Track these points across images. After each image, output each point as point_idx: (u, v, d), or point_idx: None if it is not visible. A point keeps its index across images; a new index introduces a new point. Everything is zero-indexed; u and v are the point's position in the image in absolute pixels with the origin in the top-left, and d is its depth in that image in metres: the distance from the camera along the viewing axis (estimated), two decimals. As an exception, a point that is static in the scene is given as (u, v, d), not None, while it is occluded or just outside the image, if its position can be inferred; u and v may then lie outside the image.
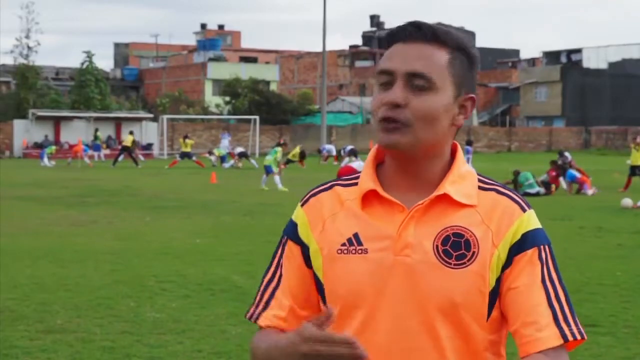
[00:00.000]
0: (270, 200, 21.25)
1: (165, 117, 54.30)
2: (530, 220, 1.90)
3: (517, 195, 1.94)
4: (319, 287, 1.96)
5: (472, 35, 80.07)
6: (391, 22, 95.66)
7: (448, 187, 1.90)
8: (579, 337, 1.85)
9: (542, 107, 73.72)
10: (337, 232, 1.93)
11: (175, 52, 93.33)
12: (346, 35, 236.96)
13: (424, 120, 1.86)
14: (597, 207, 20.03)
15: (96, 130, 51.84)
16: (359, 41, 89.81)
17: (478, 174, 1.97)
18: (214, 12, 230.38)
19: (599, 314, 8.37)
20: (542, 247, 1.89)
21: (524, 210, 1.91)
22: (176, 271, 10.79)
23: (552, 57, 78.87)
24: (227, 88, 64.66)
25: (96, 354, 6.94)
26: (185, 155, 40.04)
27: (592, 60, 75.24)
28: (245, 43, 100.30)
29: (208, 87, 74.54)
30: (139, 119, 54.35)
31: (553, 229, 13.76)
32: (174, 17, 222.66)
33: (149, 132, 53.90)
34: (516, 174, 24.79)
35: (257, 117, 54.74)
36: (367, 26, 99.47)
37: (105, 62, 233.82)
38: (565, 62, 76.73)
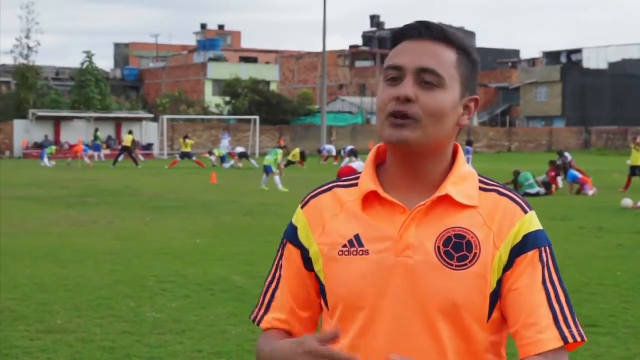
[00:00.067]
0: (270, 201, 21.25)
1: (165, 117, 54.31)
2: (532, 222, 1.90)
3: (518, 196, 1.94)
4: (321, 289, 1.96)
5: (472, 35, 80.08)
6: (391, 22, 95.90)
7: (449, 187, 1.90)
8: (578, 339, 1.85)
9: (542, 107, 73.70)
10: (337, 234, 1.93)
11: (175, 52, 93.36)
12: (346, 35, 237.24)
13: (433, 117, 1.87)
14: (597, 207, 20.04)
15: (96, 130, 51.84)
16: (359, 41, 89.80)
17: (479, 175, 1.97)
18: (214, 12, 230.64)
19: (599, 314, 8.37)
20: (543, 248, 1.89)
21: (525, 212, 1.91)
22: (176, 271, 10.79)
23: (552, 57, 78.83)
24: (227, 88, 64.66)
25: (96, 354, 6.94)
26: (185, 155, 40.03)
27: (592, 60, 75.22)
28: (245, 43, 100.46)
29: (208, 87, 74.55)
30: (139, 119, 54.34)
31: (553, 229, 13.77)
32: (174, 17, 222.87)
33: (149, 132, 53.90)
34: (516, 174, 24.78)
35: (257, 117, 54.73)
36: (367, 26, 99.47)
37: (105, 62, 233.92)
38: (565, 62, 76.69)
